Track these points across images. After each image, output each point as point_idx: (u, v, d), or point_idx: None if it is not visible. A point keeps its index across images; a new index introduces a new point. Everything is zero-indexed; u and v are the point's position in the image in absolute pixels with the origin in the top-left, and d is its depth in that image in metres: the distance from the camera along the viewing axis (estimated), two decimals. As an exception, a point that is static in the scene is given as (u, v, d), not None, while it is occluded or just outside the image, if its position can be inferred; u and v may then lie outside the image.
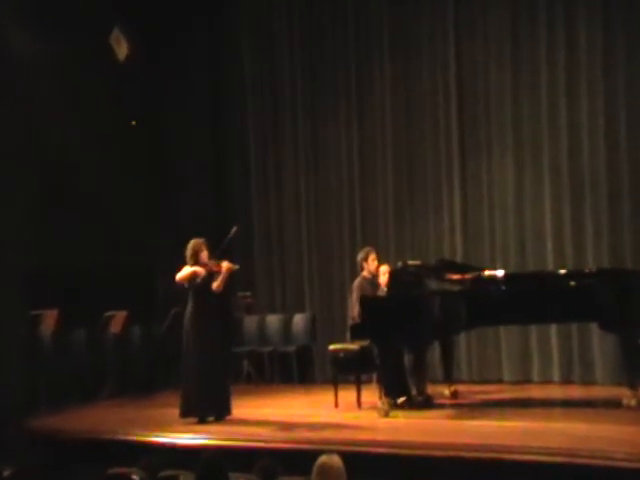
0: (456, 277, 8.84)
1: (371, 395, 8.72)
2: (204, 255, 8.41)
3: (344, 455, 4.38)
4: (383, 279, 9.06)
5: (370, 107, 11.37)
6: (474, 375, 10.45)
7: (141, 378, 11.09)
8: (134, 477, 5.34)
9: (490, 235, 10.48)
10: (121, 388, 10.79)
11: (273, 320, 11.87)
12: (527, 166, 10.25)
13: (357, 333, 8.57)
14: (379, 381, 8.54)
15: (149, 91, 12.16)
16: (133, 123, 12.11)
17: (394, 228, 11.12)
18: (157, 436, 7.86)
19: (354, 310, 8.75)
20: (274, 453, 6.71)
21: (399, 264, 8.99)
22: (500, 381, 10.21)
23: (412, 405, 8.49)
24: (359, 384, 8.82)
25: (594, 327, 9.00)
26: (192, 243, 8.46)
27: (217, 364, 8.30)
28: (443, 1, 10.72)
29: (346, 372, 9.08)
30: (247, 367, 11.56)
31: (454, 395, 9.10)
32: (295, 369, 11.35)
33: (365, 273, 9.08)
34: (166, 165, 12.46)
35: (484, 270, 8.81)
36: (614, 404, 8.04)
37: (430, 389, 8.82)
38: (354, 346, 8.87)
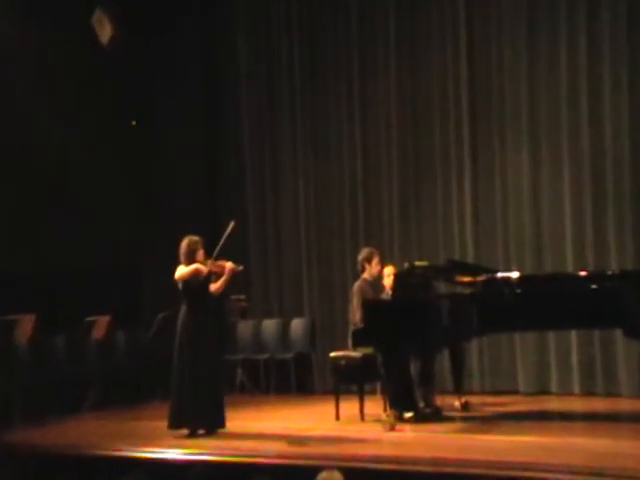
0: (467, 279, 8.82)
1: (375, 407, 8.71)
2: (200, 255, 8.39)
3: (346, 471, 4.39)
4: (388, 281, 9.07)
5: (374, 97, 11.36)
6: (487, 386, 10.44)
7: (126, 388, 11.08)
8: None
9: (504, 234, 10.47)
10: (104, 399, 10.76)
11: (269, 325, 11.88)
12: (544, 159, 10.23)
13: (360, 339, 8.56)
14: (384, 392, 8.56)
15: (140, 92, 12.29)
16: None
17: (399, 227, 11.12)
18: (143, 451, 7.83)
19: (356, 315, 8.76)
20: (270, 469, 6.71)
21: (405, 265, 8.96)
22: (515, 392, 10.20)
23: (419, 418, 8.47)
24: (362, 395, 8.81)
25: (618, 334, 8.98)
26: (187, 241, 8.41)
27: (212, 372, 8.29)
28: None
29: (348, 382, 9.08)
30: (241, 376, 11.57)
31: (465, 407, 9.08)
32: (293, 378, 11.35)
33: (366, 275, 9.09)
34: (155, 161, 12.49)
35: (497, 271, 8.80)
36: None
37: (439, 400, 8.82)
38: (356, 354, 8.86)
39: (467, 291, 8.81)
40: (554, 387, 10.06)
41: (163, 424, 8.30)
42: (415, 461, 6.86)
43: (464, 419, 8.75)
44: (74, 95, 11.33)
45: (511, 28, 10.40)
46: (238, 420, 8.66)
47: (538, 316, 8.25)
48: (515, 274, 8.68)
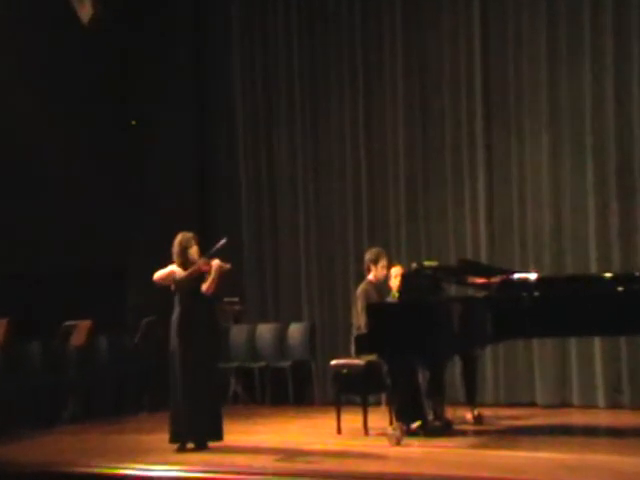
0: (480, 281, 8.83)
1: (380, 420, 8.73)
2: (194, 251, 8.40)
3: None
4: (394, 283, 9.07)
5: (379, 83, 11.35)
6: (501, 397, 10.44)
7: (108, 399, 11.10)
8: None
9: (521, 231, 10.46)
10: (84, 411, 10.76)
11: (265, 330, 11.88)
12: (566, 150, 10.21)
13: (363, 346, 8.55)
14: (389, 403, 8.55)
15: (127, 90, 12.41)
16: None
17: (407, 223, 11.11)
18: (127, 468, 7.78)
19: (360, 319, 8.75)
20: (265, 488, 6.71)
21: (413, 265, 8.96)
22: (533, 404, 10.20)
23: (428, 432, 8.45)
24: (365, 406, 8.80)
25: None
26: (179, 238, 8.45)
27: (208, 379, 8.29)
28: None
29: (350, 392, 9.11)
30: (234, 386, 11.57)
31: (478, 420, 9.07)
32: (290, 388, 11.36)
33: (371, 277, 9.11)
34: (142, 159, 12.54)
35: (513, 272, 8.79)
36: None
37: (449, 413, 8.82)
38: (360, 361, 8.86)
39: (480, 294, 8.82)
40: (576, 399, 10.05)
41: (149, 438, 8.32)
42: (423, 478, 6.84)
43: (477, 433, 8.74)
44: (60, 94, 11.40)
45: (530, 5, 10.37)
46: (231, 434, 8.63)
47: (558, 321, 8.23)
48: (533, 275, 8.67)
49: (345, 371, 8.99)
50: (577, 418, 9.58)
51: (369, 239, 11.04)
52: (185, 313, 8.34)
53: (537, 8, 10.33)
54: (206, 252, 8.37)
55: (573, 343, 10.00)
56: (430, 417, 8.61)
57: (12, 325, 10.23)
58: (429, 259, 9.69)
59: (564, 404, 10.06)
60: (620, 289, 8.16)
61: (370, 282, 9.10)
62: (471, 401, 9.20)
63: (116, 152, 12.23)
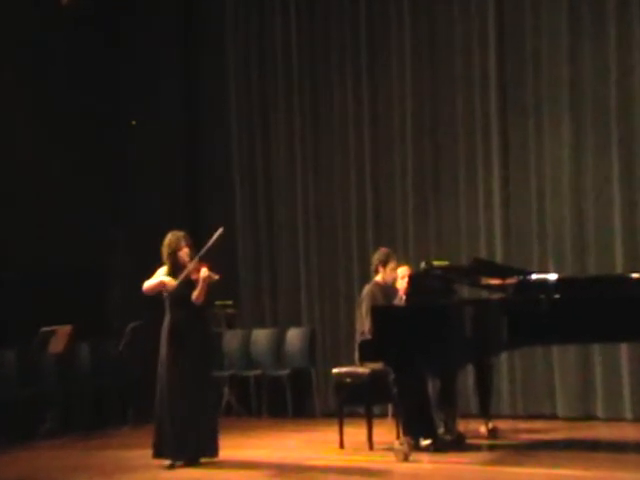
0: (495, 282, 8.83)
1: (386, 433, 8.75)
2: (184, 253, 8.40)
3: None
4: (401, 284, 9.06)
5: (385, 64, 11.36)
6: (519, 409, 10.44)
7: (90, 412, 11.09)
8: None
9: (539, 229, 10.45)
10: (64, 425, 10.77)
11: (261, 336, 11.91)
12: (589, 138, 10.21)
13: (368, 353, 8.55)
14: (396, 415, 8.55)
15: (113, 89, 12.56)
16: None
17: (415, 220, 11.12)
18: (109, 486, 7.87)
19: (365, 324, 8.75)
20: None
21: (422, 265, 8.95)
22: (553, 417, 10.21)
23: (438, 446, 8.44)
24: (370, 419, 8.80)
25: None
26: (168, 238, 8.45)
27: (200, 394, 8.27)
28: None
29: (354, 403, 9.11)
30: (228, 396, 11.58)
31: (492, 434, 9.07)
32: (289, 399, 11.37)
33: (379, 279, 9.12)
34: (124, 159, 12.60)
35: (531, 273, 8.78)
36: None
37: (462, 426, 8.81)
38: (364, 370, 8.86)
39: (495, 296, 8.82)
40: (600, 411, 10.04)
41: (134, 454, 8.32)
42: (433, 498, 6.89)
43: (491, 448, 8.74)
44: (45, 95, 11.57)
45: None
46: (224, 448, 8.63)
47: (580, 326, 8.21)
48: (553, 276, 8.68)
49: (348, 380, 8.99)
50: (602, 432, 9.58)
51: (374, 236, 11.05)
52: (176, 321, 8.36)
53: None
54: (201, 248, 8.33)
55: (597, 350, 9.99)
56: (441, 430, 8.62)
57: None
58: (439, 258, 9.67)
59: (587, 416, 10.06)
60: (648, 291, 8.19)
61: (377, 284, 9.11)
62: (485, 413, 9.19)
63: (101, 151, 12.29)
